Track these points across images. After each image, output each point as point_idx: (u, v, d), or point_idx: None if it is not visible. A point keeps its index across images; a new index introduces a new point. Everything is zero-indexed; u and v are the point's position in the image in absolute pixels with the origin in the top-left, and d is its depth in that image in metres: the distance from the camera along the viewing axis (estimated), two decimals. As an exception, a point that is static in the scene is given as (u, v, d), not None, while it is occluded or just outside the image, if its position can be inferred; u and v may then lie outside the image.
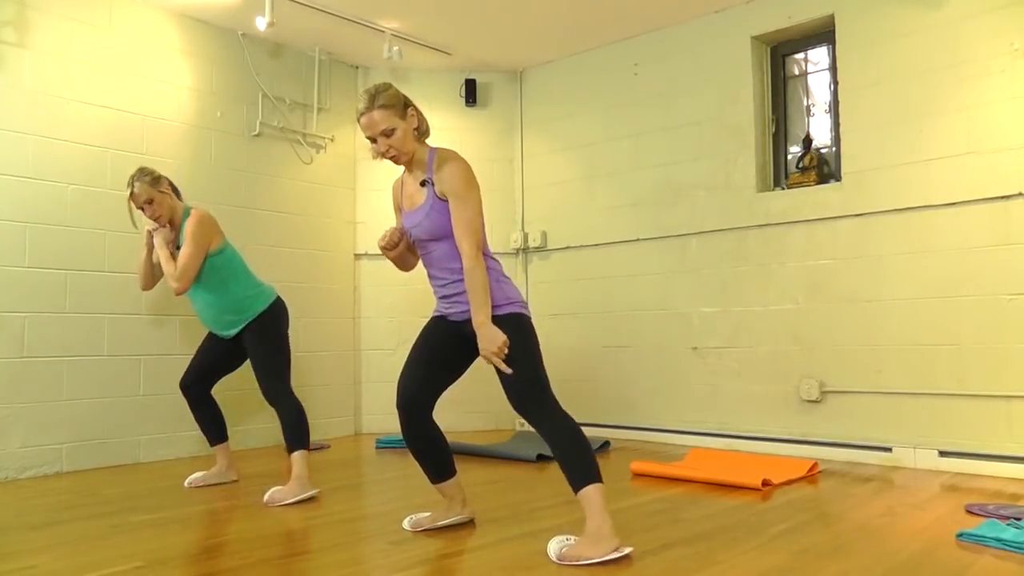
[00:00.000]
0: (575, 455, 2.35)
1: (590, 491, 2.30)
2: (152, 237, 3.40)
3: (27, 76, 3.85)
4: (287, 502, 3.12)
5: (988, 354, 3.58)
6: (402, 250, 2.65)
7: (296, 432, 3.27)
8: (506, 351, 2.37)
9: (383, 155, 2.51)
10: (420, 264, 2.71)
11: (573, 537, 2.35)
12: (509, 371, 2.38)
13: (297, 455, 3.25)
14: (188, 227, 3.29)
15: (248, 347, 3.37)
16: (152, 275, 3.52)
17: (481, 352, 2.39)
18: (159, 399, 4.21)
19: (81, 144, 4.03)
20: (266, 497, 3.14)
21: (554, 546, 2.32)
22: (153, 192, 3.31)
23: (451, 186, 2.45)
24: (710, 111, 4.58)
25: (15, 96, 3.81)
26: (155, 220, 3.37)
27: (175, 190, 3.45)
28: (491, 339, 2.36)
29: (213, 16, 4.55)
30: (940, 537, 2.50)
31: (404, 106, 2.50)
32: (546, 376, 2.46)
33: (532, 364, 2.44)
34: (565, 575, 2.19)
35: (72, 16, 4.02)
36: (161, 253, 3.31)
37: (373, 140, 2.50)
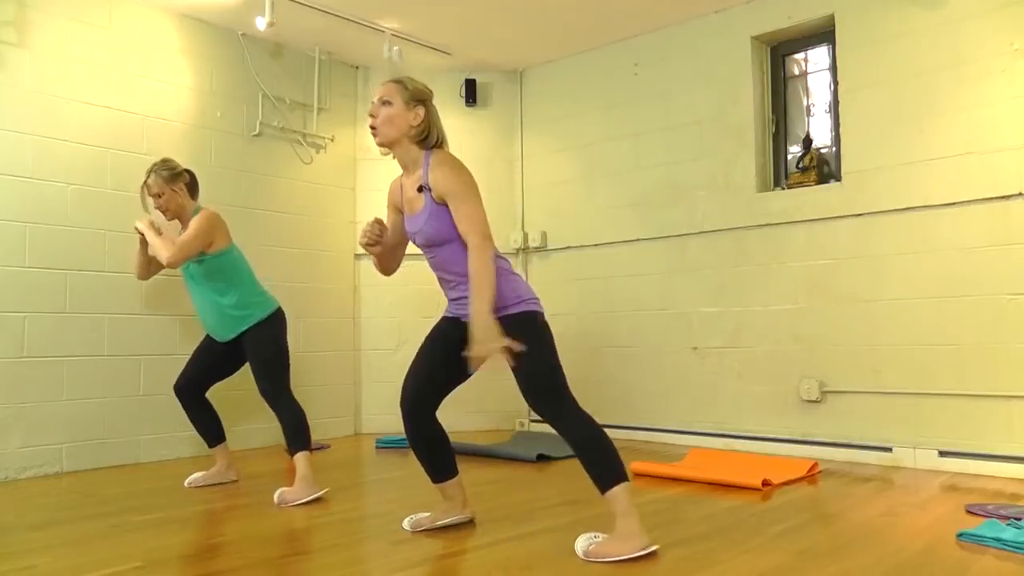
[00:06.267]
0: (599, 456, 2.34)
1: (617, 491, 2.31)
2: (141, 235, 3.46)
3: (27, 76, 3.85)
4: (298, 502, 3.12)
5: (988, 354, 3.58)
6: (387, 247, 2.62)
7: (297, 434, 3.26)
8: (499, 355, 2.23)
9: (369, 120, 2.52)
10: (427, 266, 2.69)
11: (601, 534, 2.37)
12: (484, 369, 2.27)
13: (300, 456, 3.24)
14: (193, 221, 3.35)
15: (248, 350, 3.38)
16: (148, 266, 3.57)
17: (471, 347, 2.23)
18: (159, 399, 4.20)
19: (81, 144, 4.03)
20: (276, 498, 3.15)
21: (582, 543, 2.35)
22: (165, 188, 3.39)
23: (447, 188, 2.42)
24: (710, 111, 4.57)
25: (15, 96, 3.81)
26: (162, 213, 3.45)
27: (194, 186, 3.51)
28: (485, 335, 2.22)
29: (213, 16, 4.55)
30: (940, 537, 2.50)
31: (416, 100, 2.50)
32: (563, 375, 2.42)
33: (548, 362, 2.41)
34: (565, 575, 2.19)
35: (72, 16, 4.02)
36: (148, 234, 3.35)
37: (372, 106, 2.52)
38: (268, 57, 4.92)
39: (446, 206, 2.44)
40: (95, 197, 4.06)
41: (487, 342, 2.24)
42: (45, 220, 3.88)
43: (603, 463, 2.34)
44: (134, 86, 4.26)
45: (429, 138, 2.53)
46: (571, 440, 2.38)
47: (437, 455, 2.65)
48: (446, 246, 2.48)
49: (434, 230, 2.47)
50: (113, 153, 4.14)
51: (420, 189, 2.49)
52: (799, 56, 4.54)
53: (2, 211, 3.75)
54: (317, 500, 3.16)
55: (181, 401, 3.51)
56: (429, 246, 2.53)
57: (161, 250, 3.29)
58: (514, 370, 2.39)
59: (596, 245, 5.10)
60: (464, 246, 2.42)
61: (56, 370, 3.88)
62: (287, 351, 3.43)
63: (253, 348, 3.37)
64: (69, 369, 3.92)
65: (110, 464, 4.03)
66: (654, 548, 2.32)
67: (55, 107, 3.94)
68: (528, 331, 2.41)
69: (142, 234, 3.44)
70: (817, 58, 4.47)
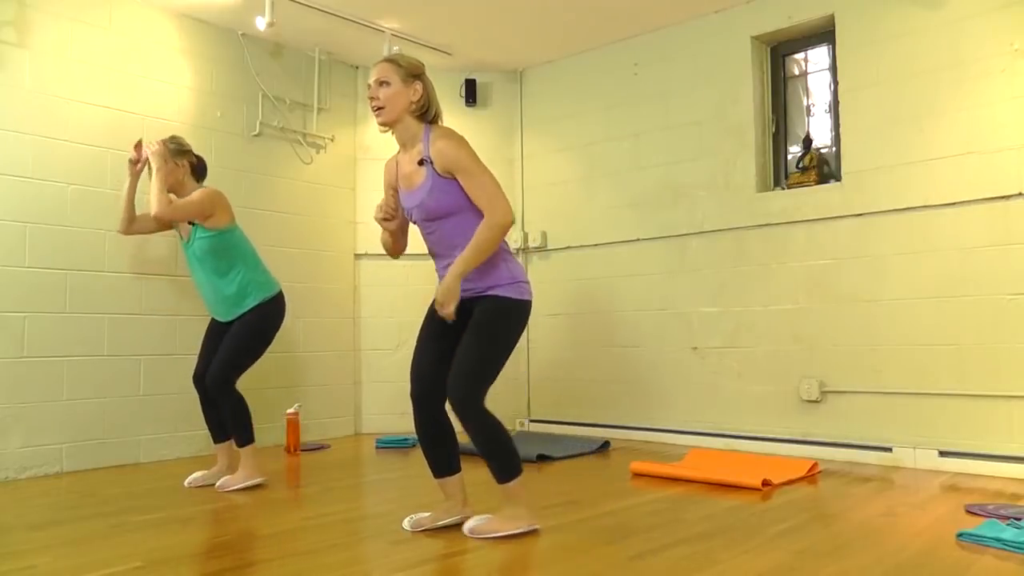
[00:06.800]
0: (501, 449, 2.51)
1: (513, 485, 2.54)
2: (135, 166, 3.55)
3: (27, 76, 3.85)
4: (235, 487, 3.36)
5: (988, 354, 3.58)
6: (400, 223, 2.67)
7: (240, 424, 3.41)
8: (451, 315, 2.45)
9: (371, 102, 2.55)
10: (428, 266, 2.71)
11: (489, 516, 2.57)
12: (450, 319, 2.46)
13: (243, 450, 3.42)
14: (196, 191, 3.45)
15: (233, 328, 3.46)
16: (132, 218, 3.61)
17: (436, 300, 2.47)
18: (159, 399, 4.21)
19: (81, 144, 4.03)
20: (217, 485, 3.41)
21: (470, 523, 2.56)
22: (168, 160, 3.47)
23: (454, 162, 2.46)
24: (710, 111, 4.58)
25: (15, 96, 3.81)
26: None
27: (200, 170, 3.59)
28: (445, 297, 2.42)
29: (213, 16, 4.55)
30: (940, 537, 2.50)
31: (412, 76, 2.56)
32: (493, 374, 2.51)
33: (489, 353, 2.49)
34: (565, 574, 2.19)
35: (72, 16, 4.02)
36: (157, 176, 3.40)
37: (371, 88, 2.55)
38: (268, 57, 4.92)
39: (450, 179, 2.46)
40: (95, 197, 4.06)
41: (444, 305, 2.44)
42: (45, 220, 3.88)
43: (504, 457, 2.52)
44: (134, 86, 4.26)
45: (428, 111, 2.58)
46: (476, 434, 2.49)
47: (444, 447, 2.66)
48: (448, 219, 2.49)
49: (436, 203, 2.49)
50: (113, 153, 4.13)
51: (421, 163, 2.51)
52: (799, 56, 4.54)
53: (2, 211, 3.75)
54: (257, 487, 3.39)
55: (198, 392, 3.56)
56: (429, 220, 2.54)
57: (155, 200, 3.35)
58: (458, 344, 2.52)
59: (596, 245, 5.10)
60: (467, 220, 2.47)
61: (56, 370, 3.88)
62: (265, 345, 3.52)
63: (238, 329, 3.45)
64: (69, 369, 3.92)
65: (110, 464, 4.03)
66: (536, 527, 2.55)
67: (55, 107, 3.94)
68: (496, 317, 2.50)
69: (133, 173, 3.54)
70: (817, 58, 4.47)
